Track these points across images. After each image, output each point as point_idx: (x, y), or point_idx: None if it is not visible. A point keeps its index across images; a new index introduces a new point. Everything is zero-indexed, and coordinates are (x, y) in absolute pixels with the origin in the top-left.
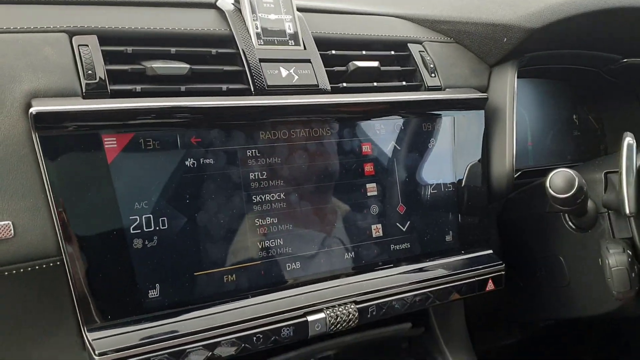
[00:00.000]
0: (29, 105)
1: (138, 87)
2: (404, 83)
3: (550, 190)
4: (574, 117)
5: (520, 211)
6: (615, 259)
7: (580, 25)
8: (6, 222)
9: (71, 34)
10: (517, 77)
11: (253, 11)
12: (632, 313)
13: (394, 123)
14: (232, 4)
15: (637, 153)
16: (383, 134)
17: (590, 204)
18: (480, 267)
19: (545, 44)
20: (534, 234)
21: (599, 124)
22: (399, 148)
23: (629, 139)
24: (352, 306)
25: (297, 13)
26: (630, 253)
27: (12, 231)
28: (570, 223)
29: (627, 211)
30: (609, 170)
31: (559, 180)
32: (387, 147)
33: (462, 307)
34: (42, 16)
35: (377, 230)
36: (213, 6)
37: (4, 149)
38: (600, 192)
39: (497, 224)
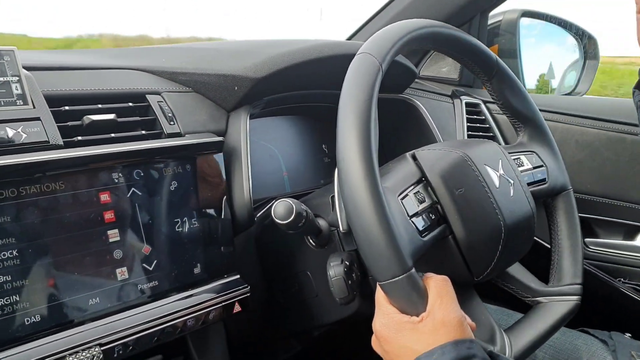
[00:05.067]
0: None
1: None
2: (143, 132)
3: (274, 218)
4: (323, 146)
5: (273, 235)
6: (334, 270)
7: (303, 71)
8: None
9: None
10: (266, 117)
11: None
12: (365, 314)
13: (134, 170)
14: None
15: None
16: (122, 182)
17: (323, 223)
18: (227, 292)
19: (278, 88)
20: (286, 253)
21: None
22: (139, 193)
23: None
24: (97, 349)
25: (24, 72)
26: (348, 263)
27: None
28: (311, 241)
29: (341, 228)
30: (334, 194)
31: (280, 208)
32: (128, 194)
33: (222, 332)
34: None
35: (122, 273)
36: None
37: None
38: (330, 213)
39: (257, 248)
